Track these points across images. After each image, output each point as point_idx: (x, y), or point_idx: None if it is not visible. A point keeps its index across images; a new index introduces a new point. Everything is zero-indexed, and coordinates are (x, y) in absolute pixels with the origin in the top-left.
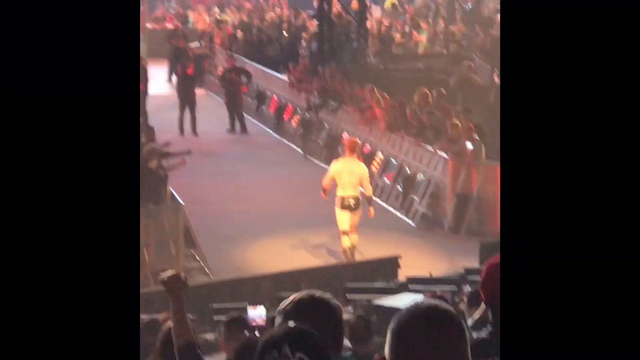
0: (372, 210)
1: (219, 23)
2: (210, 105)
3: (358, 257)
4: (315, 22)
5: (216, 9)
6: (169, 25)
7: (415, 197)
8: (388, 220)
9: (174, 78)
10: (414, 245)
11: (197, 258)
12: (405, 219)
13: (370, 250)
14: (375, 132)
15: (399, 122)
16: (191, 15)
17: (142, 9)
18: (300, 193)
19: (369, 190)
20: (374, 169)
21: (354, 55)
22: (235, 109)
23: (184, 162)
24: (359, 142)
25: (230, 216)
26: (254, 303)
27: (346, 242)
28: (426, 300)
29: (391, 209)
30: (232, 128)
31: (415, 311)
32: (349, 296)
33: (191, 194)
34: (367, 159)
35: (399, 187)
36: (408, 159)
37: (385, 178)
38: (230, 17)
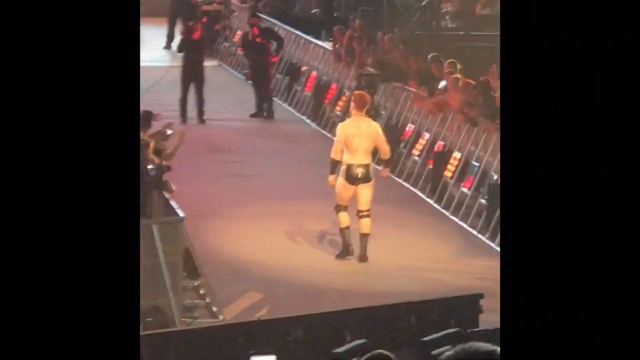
0: (387, 171)
1: None
2: (224, 82)
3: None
4: None
5: None
6: None
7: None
8: (465, 243)
9: (175, 44)
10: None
11: (202, 292)
12: (490, 244)
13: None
14: (451, 124)
15: (483, 110)
16: None
17: None
18: None
19: (386, 153)
20: (448, 173)
21: (424, 18)
22: (261, 87)
23: (182, 142)
24: (369, 96)
25: (248, 236)
26: (282, 353)
27: (344, 219)
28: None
29: (471, 230)
30: (259, 112)
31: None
32: (435, 351)
33: (195, 205)
34: (440, 160)
35: (482, 200)
36: (496, 162)
37: (463, 187)
38: None
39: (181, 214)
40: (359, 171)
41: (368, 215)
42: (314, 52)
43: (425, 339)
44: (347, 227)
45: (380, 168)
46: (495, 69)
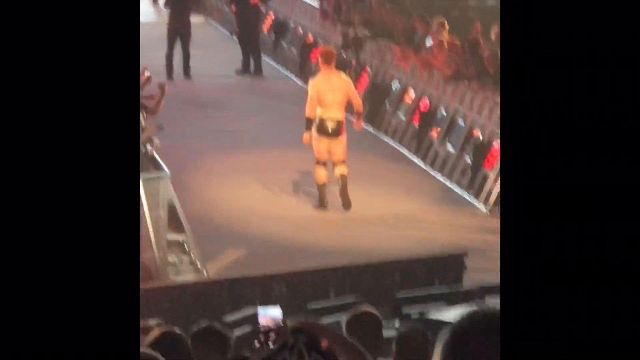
0: (360, 122)
1: None
2: (211, 39)
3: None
4: None
5: None
6: None
7: (490, 173)
8: (453, 204)
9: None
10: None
11: (186, 248)
12: (475, 202)
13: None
14: (437, 82)
15: (470, 68)
16: None
17: None
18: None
19: (360, 106)
20: (434, 133)
21: None
22: (249, 43)
23: (164, 96)
24: (334, 50)
25: (232, 191)
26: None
27: (322, 175)
28: (486, 306)
29: (457, 189)
30: (245, 69)
31: (473, 318)
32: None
33: (180, 160)
34: (426, 119)
35: (467, 158)
36: (481, 120)
37: (449, 145)
38: None
39: (166, 169)
40: (330, 125)
41: (343, 163)
42: (300, 8)
43: (399, 296)
44: (324, 184)
45: (354, 120)
46: (479, 25)
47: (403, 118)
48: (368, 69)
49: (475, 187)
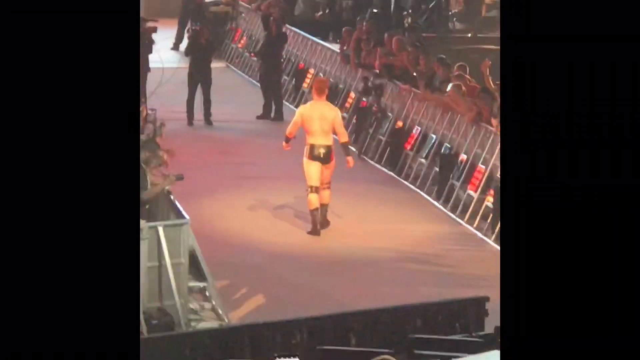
0: (350, 159)
1: None
2: (232, 84)
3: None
4: None
5: None
6: None
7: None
8: (472, 244)
9: (184, 46)
10: None
11: (208, 295)
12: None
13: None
14: (460, 127)
15: (487, 113)
16: None
17: None
18: (359, 201)
19: (344, 136)
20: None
21: (431, 19)
22: (272, 89)
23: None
24: (329, 81)
25: (254, 237)
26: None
27: (314, 200)
28: None
29: (479, 234)
30: (266, 114)
31: None
32: (417, 351)
33: (200, 208)
34: (448, 161)
35: (488, 203)
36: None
37: (469, 190)
38: None
39: (187, 216)
40: (321, 151)
41: (328, 188)
42: (320, 53)
43: (419, 342)
44: (317, 209)
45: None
46: (488, 62)
47: (424, 161)
48: (390, 114)
49: (494, 228)
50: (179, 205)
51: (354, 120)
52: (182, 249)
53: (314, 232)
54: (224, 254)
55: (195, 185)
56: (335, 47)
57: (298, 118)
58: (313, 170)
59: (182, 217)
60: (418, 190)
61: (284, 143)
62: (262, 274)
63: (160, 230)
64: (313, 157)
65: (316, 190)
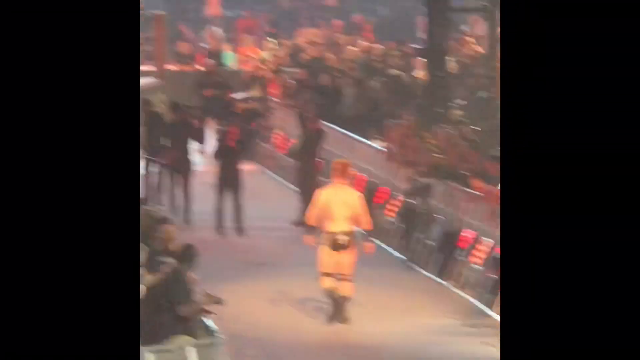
0: (368, 245)
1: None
2: (264, 188)
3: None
4: (423, 61)
5: (271, 40)
6: (200, 67)
7: None
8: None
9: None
10: None
11: None
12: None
13: None
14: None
15: None
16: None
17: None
18: (409, 318)
19: (366, 224)
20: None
21: (483, 110)
22: (305, 193)
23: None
24: (350, 163)
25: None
26: None
27: (328, 283)
28: None
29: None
30: (302, 220)
31: None
32: None
33: (234, 325)
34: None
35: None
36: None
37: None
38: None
39: (221, 335)
40: (344, 239)
41: (349, 279)
42: (361, 151)
43: None
44: (332, 288)
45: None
46: None
47: (481, 268)
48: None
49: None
50: (213, 324)
51: (400, 225)
52: None
53: (337, 317)
54: None
55: (228, 301)
56: (376, 144)
57: (319, 203)
58: (331, 260)
59: (215, 335)
60: (470, 299)
61: (306, 238)
62: None
63: (193, 350)
64: (336, 246)
65: (329, 275)
